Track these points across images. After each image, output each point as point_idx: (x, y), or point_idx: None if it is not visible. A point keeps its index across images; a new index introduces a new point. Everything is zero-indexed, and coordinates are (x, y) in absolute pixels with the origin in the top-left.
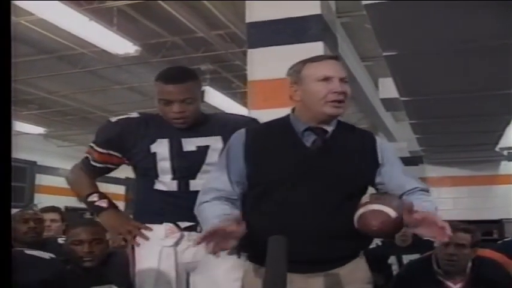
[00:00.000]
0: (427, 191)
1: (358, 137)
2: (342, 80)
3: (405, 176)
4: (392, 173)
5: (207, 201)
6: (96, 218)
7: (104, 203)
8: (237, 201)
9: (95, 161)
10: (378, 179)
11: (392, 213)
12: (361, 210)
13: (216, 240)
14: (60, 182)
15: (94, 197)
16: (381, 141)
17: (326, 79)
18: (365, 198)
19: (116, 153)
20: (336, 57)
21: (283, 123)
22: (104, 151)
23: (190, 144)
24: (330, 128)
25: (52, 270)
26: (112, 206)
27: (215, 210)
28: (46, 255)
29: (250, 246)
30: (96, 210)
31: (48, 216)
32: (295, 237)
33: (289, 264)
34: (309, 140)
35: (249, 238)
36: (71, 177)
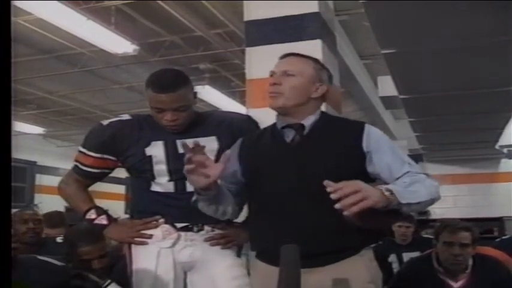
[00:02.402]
0: (421, 173)
1: (342, 127)
2: (284, 72)
3: (398, 163)
4: (383, 161)
5: None
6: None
7: (103, 220)
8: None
9: (89, 166)
10: (370, 169)
11: None
12: None
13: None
14: None
15: (92, 214)
16: (369, 129)
17: (271, 74)
18: None
19: (110, 157)
20: (295, 54)
21: (273, 124)
22: (98, 155)
23: None
24: (307, 122)
25: (64, 274)
26: (111, 219)
27: None
28: (56, 262)
29: (254, 244)
30: (98, 227)
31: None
32: (283, 232)
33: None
34: (289, 136)
35: (253, 236)
36: (64, 192)
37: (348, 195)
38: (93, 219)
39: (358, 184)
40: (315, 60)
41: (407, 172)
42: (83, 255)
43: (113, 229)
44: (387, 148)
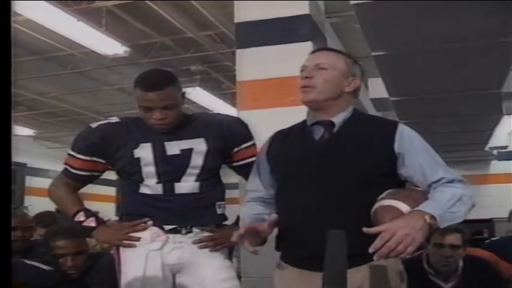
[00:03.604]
0: (457, 180)
1: (373, 126)
2: (316, 66)
3: (431, 166)
4: (416, 163)
5: (246, 202)
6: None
7: (92, 222)
8: (272, 203)
9: (78, 169)
10: (403, 171)
11: (404, 208)
12: (374, 207)
13: (247, 238)
14: None
15: (81, 217)
16: (402, 129)
17: (302, 69)
18: (383, 193)
19: (99, 160)
20: (326, 48)
21: (303, 121)
22: (88, 158)
23: (173, 148)
24: (337, 120)
25: (51, 279)
26: (99, 221)
27: (248, 210)
28: (44, 266)
29: (280, 244)
30: (86, 229)
31: None
32: (308, 233)
33: (304, 261)
34: (318, 133)
35: (279, 236)
36: (53, 194)
37: (394, 249)
38: (82, 222)
39: (401, 228)
40: (348, 55)
41: (442, 178)
42: (57, 249)
43: (102, 231)
44: (421, 150)
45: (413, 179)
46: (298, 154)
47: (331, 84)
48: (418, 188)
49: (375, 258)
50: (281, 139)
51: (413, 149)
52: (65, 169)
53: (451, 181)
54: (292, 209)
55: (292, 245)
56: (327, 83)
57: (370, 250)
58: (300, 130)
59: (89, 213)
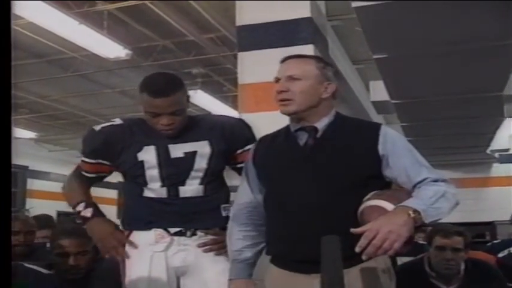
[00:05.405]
0: (441, 180)
1: (357, 129)
2: (289, 78)
3: (415, 167)
4: (400, 165)
5: (233, 213)
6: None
7: (88, 213)
8: (257, 210)
9: (86, 171)
10: (387, 172)
11: (390, 207)
12: (361, 208)
13: None
14: (52, 186)
15: (80, 207)
16: (385, 131)
17: (276, 81)
18: (368, 195)
19: (105, 162)
20: (294, 56)
21: (286, 126)
22: (93, 161)
23: (177, 151)
24: (320, 125)
25: (50, 283)
26: (96, 214)
27: (236, 240)
28: (44, 270)
29: (269, 248)
30: (82, 220)
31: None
32: (296, 236)
33: (294, 264)
34: (303, 139)
35: (268, 240)
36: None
37: (380, 247)
38: (80, 212)
39: (384, 226)
40: (317, 59)
41: (426, 178)
42: (60, 248)
43: (93, 225)
44: (404, 151)
45: (398, 180)
46: (284, 160)
47: (307, 94)
48: (402, 188)
49: (363, 257)
50: (267, 144)
51: (396, 150)
52: (76, 168)
53: (435, 180)
54: (281, 214)
55: (283, 248)
56: (303, 94)
57: (357, 249)
58: (284, 135)
59: (89, 204)
